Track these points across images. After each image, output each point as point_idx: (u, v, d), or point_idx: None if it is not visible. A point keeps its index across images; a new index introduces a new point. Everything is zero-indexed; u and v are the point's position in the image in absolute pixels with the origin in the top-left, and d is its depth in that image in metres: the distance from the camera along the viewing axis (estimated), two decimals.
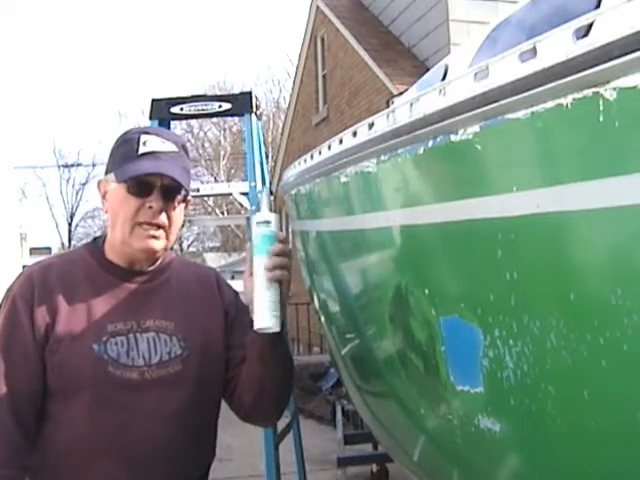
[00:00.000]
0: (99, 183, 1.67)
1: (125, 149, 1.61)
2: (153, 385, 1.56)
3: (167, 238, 1.62)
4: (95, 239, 1.72)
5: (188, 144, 1.76)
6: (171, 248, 1.75)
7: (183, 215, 1.69)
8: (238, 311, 1.73)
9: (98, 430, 1.53)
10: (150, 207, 1.57)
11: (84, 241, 1.85)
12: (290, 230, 3.86)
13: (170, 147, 1.61)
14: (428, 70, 4.63)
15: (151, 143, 1.59)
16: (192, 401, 1.62)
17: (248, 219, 3.65)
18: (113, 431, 1.53)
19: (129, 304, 1.61)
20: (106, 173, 1.64)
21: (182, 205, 1.66)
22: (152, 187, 1.57)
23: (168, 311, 1.64)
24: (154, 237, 1.58)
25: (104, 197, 1.64)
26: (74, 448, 1.53)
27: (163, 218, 1.59)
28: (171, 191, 1.59)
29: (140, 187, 1.57)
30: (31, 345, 1.53)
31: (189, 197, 1.70)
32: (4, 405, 1.51)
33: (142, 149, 1.58)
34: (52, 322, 1.54)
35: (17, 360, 1.53)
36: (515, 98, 1.44)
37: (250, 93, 3.78)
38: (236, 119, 22.61)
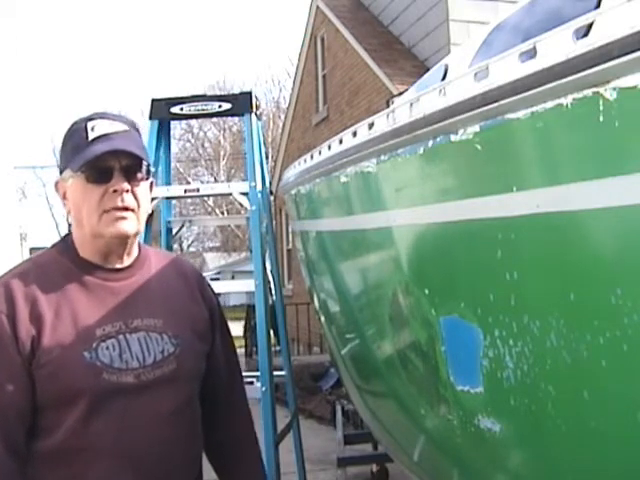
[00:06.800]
0: (56, 184, 1.57)
1: (74, 140, 1.54)
2: (150, 386, 1.53)
3: (138, 220, 1.55)
4: (64, 238, 1.63)
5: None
6: (150, 244, 1.67)
7: (150, 195, 1.62)
8: (220, 318, 1.74)
9: (97, 439, 1.48)
10: (114, 191, 1.49)
11: None
12: (290, 230, 3.85)
13: (120, 127, 1.53)
14: (428, 70, 4.62)
15: (99, 127, 1.52)
16: (188, 398, 1.61)
17: (248, 219, 3.66)
18: (113, 438, 1.49)
19: (113, 304, 1.55)
20: (61, 172, 1.55)
21: (147, 184, 1.58)
22: (111, 171, 1.50)
23: (154, 308, 1.59)
24: (123, 219, 1.51)
25: (64, 197, 1.57)
26: (70, 459, 1.47)
27: (130, 200, 1.52)
28: (131, 170, 1.52)
29: (99, 173, 1.49)
30: (17, 362, 1.44)
31: (152, 177, 1.62)
32: None
33: (91, 135, 1.51)
34: (38, 334, 1.45)
35: (2, 380, 1.44)
36: (515, 98, 1.44)
37: (250, 93, 3.79)
38: (236, 119, 22.62)
